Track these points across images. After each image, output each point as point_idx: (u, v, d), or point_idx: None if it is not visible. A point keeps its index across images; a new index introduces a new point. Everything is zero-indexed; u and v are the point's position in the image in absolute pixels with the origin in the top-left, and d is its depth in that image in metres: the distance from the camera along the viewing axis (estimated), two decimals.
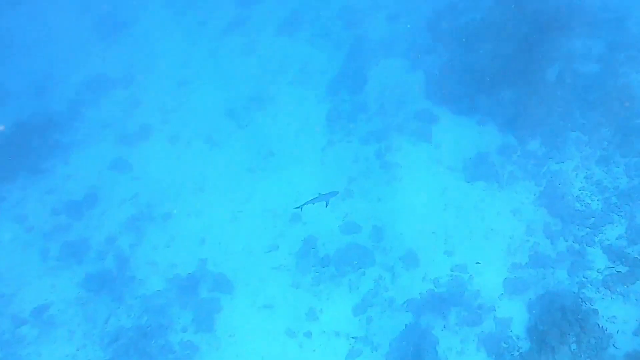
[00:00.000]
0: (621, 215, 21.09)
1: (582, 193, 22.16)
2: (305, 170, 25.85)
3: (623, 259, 19.94)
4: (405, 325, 20.69)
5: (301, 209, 20.65)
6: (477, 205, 23.07)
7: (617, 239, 20.56)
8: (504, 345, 19.43)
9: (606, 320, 18.64)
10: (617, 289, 19.31)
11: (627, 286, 19.32)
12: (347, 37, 30.95)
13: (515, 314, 20.01)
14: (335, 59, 30.06)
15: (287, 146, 26.95)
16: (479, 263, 21.49)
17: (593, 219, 21.28)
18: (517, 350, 19.15)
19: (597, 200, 21.79)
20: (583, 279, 19.87)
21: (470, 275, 21.30)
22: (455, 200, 23.44)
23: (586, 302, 19.14)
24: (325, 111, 27.85)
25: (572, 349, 18.09)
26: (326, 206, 20.89)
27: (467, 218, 22.82)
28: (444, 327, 20.40)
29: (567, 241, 21.11)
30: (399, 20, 30.79)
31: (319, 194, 20.46)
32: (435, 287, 21.36)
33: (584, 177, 22.54)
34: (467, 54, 27.00)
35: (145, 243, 24.81)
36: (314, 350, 21.05)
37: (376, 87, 28.26)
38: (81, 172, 27.86)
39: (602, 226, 21.02)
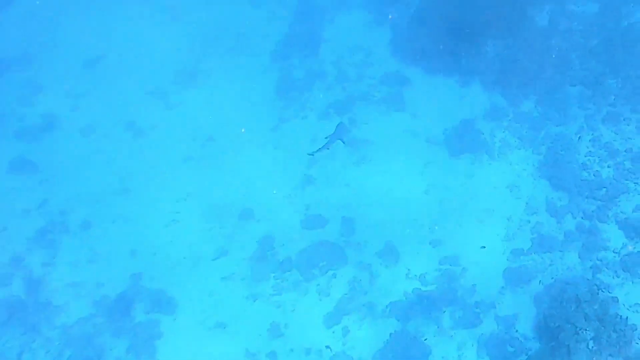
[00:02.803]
0: (637, 183, 21.49)
1: (589, 159, 22.56)
2: (253, 155, 25.77)
3: None
4: (390, 333, 20.68)
5: (313, 155, 21.43)
6: (466, 183, 23.36)
7: (634, 211, 20.94)
8: (510, 348, 19.57)
9: (628, 309, 18.91)
10: (639, 271, 19.66)
11: None
12: None
13: (520, 310, 20.23)
14: (280, 18, 30.16)
15: (229, 128, 26.78)
16: (484, 247, 21.69)
17: (604, 189, 21.61)
18: (526, 354, 19.28)
19: (608, 166, 22.20)
20: (597, 262, 20.18)
21: (463, 268, 21.45)
22: (439, 179, 23.66)
23: (603, 290, 19.41)
24: (274, 82, 27.88)
25: (590, 347, 18.14)
26: (344, 143, 21.59)
27: (455, 199, 23.04)
28: (437, 332, 20.48)
29: (575, 218, 21.44)
30: None
31: (326, 137, 21.13)
32: (422, 285, 21.45)
33: (590, 140, 22.97)
34: (439, 1, 27.05)
35: (62, 260, 24.19)
36: None
37: (333, 48, 28.41)
38: None
39: (616, 197, 21.37)
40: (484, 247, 21.68)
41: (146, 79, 29.07)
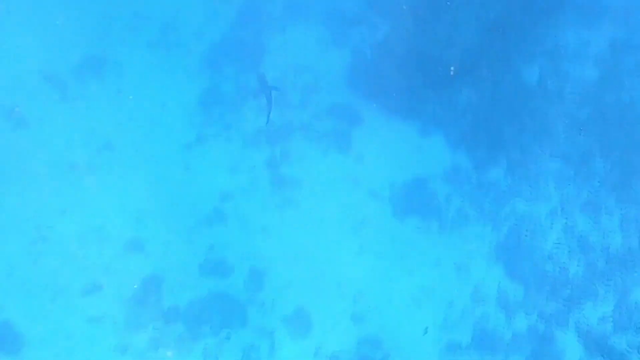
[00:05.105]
0: (609, 288, 21.37)
1: (557, 250, 22.42)
2: (158, 174, 24.91)
3: (605, 353, 20.05)
4: None
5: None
6: (406, 253, 23.03)
7: (599, 322, 20.87)
8: None
9: None
10: None
11: None
12: None
13: None
14: (220, 17, 29.19)
15: (134, 136, 25.82)
16: (427, 332, 21.45)
17: (569, 289, 21.47)
18: None
19: (578, 263, 22.06)
20: None
21: (385, 354, 21.14)
22: (376, 241, 23.26)
23: None
24: (198, 91, 27.04)
25: None
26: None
27: (390, 269, 22.72)
28: None
29: (529, 317, 21.25)
30: None
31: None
32: None
33: (562, 228, 22.79)
34: (415, 31, 26.75)
35: None
36: None
37: (278, 64, 27.75)
38: None
39: (581, 302, 21.31)
40: (427, 331, 21.41)
41: (44, 60, 27.63)
